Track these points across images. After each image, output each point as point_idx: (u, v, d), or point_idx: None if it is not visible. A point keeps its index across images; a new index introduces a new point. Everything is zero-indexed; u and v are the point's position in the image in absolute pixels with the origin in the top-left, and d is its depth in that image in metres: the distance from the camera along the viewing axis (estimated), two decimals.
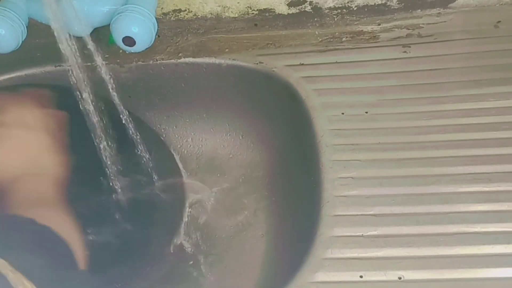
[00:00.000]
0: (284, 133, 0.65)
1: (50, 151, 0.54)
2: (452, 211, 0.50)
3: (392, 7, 0.67)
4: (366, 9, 0.67)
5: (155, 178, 0.61)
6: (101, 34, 0.64)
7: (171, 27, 0.69)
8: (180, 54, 0.65)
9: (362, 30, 0.66)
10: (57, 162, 0.54)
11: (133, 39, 0.61)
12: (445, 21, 0.66)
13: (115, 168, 0.59)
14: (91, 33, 0.59)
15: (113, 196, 0.59)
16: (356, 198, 0.52)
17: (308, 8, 0.68)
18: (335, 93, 0.60)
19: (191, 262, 0.58)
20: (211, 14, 0.69)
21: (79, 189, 0.53)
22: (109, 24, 0.61)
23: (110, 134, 0.58)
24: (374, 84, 0.60)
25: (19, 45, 0.62)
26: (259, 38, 0.67)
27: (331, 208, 0.51)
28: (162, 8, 0.68)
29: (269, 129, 0.66)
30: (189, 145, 0.73)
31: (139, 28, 0.60)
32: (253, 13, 0.69)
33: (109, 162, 0.58)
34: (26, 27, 0.62)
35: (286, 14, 0.68)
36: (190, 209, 0.64)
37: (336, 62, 0.63)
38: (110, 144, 0.57)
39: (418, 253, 0.48)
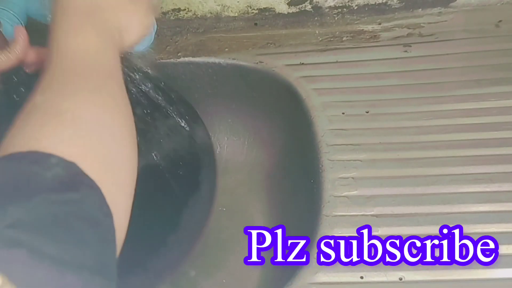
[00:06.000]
0: (284, 133, 0.65)
1: None
2: (453, 212, 0.50)
3: (392, 6, 0.67)
4: (366, 8, 0.67)
5: None
6: None
7: (170, 26, 0.69)
8: (179, 54, 0.65)
9: (362, 30, 0.66)
10: None
11: None
12: (446, 21, 0.66)
13: None
14: None
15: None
16: (357, 199, 0.52)
17: (309, 7, 0.68)
18: (336, 92, 0.60)
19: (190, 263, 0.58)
20: (211, 13, 0.69)
21: None
22: None
23: None
24: (375, 84, 0.60)
25: None
26: (259, 38, 0.67)
27: (331, 208, 0.51)
28: (161, 7, 0.68)
29: (269, 129, 0.66)
30: None
31: None
32: (253, 12, 0.69)
33: None
34: (25, 26, 0.62)
35: (286, 13, 0.68)
36: None
37: (337, 62, 0.63)
38: None
39: None
